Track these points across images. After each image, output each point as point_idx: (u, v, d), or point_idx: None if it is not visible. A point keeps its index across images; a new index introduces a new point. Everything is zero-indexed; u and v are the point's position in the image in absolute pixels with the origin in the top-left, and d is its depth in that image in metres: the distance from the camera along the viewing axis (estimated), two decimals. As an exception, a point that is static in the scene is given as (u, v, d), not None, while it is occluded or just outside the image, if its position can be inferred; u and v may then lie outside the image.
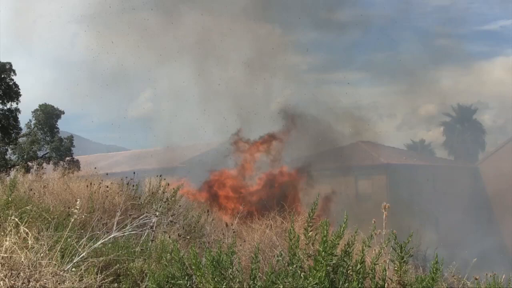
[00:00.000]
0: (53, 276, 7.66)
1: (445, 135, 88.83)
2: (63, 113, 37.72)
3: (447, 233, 47.24)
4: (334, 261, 6.98)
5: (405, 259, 6.99)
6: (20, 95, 34.69)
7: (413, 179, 54.07)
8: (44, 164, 36.08)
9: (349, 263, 7.10)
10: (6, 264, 7.50)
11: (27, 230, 8.08)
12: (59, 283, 7.64)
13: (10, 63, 34.49)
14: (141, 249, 10.27)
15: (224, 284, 7.07)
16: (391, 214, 9.13)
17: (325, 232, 6.85)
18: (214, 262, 7.15)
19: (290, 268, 7.08)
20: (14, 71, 34.61)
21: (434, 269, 6.76)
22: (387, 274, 7.23)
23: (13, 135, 35.16)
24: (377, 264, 7.14)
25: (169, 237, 11.57)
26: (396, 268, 7.06)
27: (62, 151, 36.90)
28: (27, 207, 10.58)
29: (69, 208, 12.52)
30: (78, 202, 9.63)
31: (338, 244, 7.10)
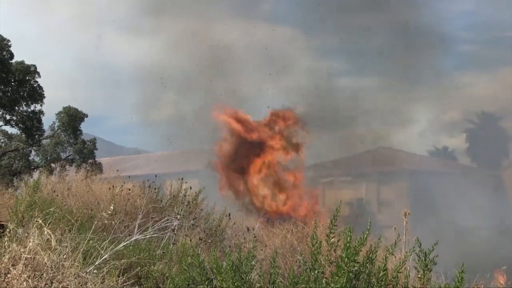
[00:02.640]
0: (76, 278, 7.70)
1: (468, 142, 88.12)
2: (87, 116, 37.91)
3: (469, 240, 46.86)
4: (356, 268, 6.94)
5: (429, 266, 6.92)
6: (44, 97, 35.01)
7: (435, 186, 53.72)
8: (67, 166, 36.28)
9: (371, 270, 7.06)
10: (29, 265, 7.55)
11: (50, 232, 8.13)
12: (81, 285, 7.68)
13: (34, 65, 34.81)
14: (162, 252, 10.29)
15: (245, 288, 7.06)
16: (414, 221, 9.08)
17: (348, 238, 6.82)
18: (234, 267, 7.14)
19: (312, 273, 7.05)
20: (38, 73, 34.92)
21: (460, 278, 6.68)
22: (409, 281, 7.17)
23: (36, 136, 35.45)
24: (400, 272, 7.09)
25: (190, 240, 11.59)
26: (419, 276, 7.00)
27: (85, 154, 37.10)
28: (51, 209, 10.65)
29: (91, 210, 12.60)
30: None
31: (361, 250, 7.06)
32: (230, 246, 12.67)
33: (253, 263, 7.38)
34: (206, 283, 7.36)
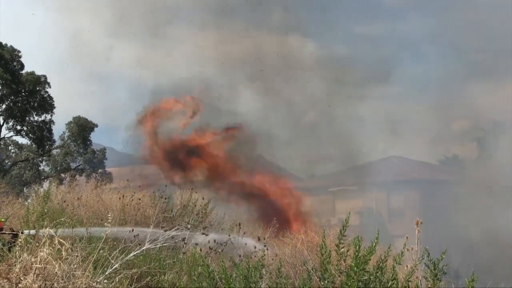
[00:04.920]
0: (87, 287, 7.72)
1: (478, 151, 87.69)
2: (97, 126, 38.07)
3: (480, 249, 46.65)
4: (366, 277, 6.93)
5: (438, 276, 6.90)
6: (54, 107, 35.13)
7: (445, 195, 53.55)
8: (77, 176, 36.39)
9: (381, 279, 7.05)
10: (40, 275, 7.58)
11: (62, 241, 8.15)
12: (92, 295, 7.71)
13: (45, 76, 34.98)
14: (172, 262, 10.30)
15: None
16: (424, 230, 9.05)
17: (357, 247, 6.82)
18: (243, 276, 7.15)
19: (322, 283, 7.05)
20: (48, 84, 35.08)
21: (471, 287, 6.66)
22: (420, 290, 7.16)
23: (47, 147, 35.57)
24: (410, 281, 7.07)
25: (200, 250, 11.59)
26: (429, 286, 6.97)
27: (95, 163, 37.22)
28: (61, 219, 10.69)
29: (101, 220, 12.63)
30: (110, 215, 9.71)
31: (370, 260, 7.05)
32: (240, 256, 12.65)
33: (263, 272, 7.39)
34: (216, 292, 7.37)
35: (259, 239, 14.00)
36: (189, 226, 13.08)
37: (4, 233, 10.38)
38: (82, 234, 9.98)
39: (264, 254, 8.24)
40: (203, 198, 16.82)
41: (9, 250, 8.42)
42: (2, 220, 11.21)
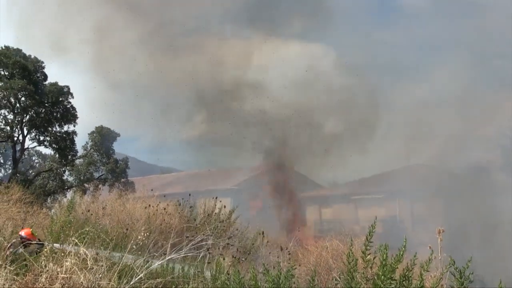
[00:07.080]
0: (112, 297, 7.72)
1: (502, 158, 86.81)
2: (119, 135, 38.17)
3: (505, 257, 46.13)
4: (393, 286, 6.87)
5: (465, 285, 6.81)
6: (77, 117, 35.25)
7: (469, 203, 53.08)
8: (100, 186, 36.49)
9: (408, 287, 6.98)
10: (66, 285, 7.60)
11: (86, 251, 8.17)
12: (117, 304, 7.70)
13: (68, 86, 35.13)
14: (197, 271, 10.28)
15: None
16: (448, 239, 8.95)
17: (384, 255, 6.76)
18: (273, 285, 7.13)
19: (349, 292, 7.00)
20: (71, 94, 35.23)
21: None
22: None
23: (69, 157, 35.69)
24: (437, 289, 6.99)
25: (224, 259, 11.57)
26: (456, 294, 6.88)
27: (118, 173, 37.28)
28: (86, 228, 10.71)
29: (126, 229, 12.65)
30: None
31: (397, 268, 6.99)
32: (264, 265, 12.60)
33: (293, 281, 7.35)
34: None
35: (281, 249, 13.93)
36: (212, 235, 13.06)
37: (31, 243, 10.45)
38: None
39: (294, 265, 8.19)
40: (224, 206, 16.74)
41: (35, 260, 8.46)
42: (35, 233, 11.32)
